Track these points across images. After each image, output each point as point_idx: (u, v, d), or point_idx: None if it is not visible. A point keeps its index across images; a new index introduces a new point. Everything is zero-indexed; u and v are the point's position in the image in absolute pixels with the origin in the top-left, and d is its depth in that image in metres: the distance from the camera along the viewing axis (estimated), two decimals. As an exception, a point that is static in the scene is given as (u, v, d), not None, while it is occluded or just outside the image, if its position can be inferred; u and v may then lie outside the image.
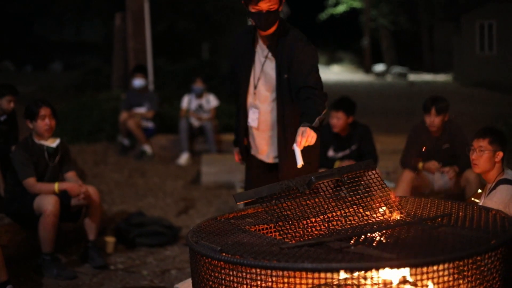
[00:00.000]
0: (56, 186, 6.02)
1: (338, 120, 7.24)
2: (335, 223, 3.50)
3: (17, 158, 6.01)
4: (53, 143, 6.19)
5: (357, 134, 7.38)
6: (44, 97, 6.15)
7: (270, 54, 4.82)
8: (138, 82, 11.67)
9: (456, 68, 29.95)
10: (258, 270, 2.94)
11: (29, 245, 6.26)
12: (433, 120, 6.82)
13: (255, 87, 4.91)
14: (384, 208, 3.68)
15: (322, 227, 3.46)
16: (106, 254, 6.58)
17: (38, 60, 31.34)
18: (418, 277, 2.89)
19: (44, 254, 5.96)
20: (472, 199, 5.15)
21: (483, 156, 4.81)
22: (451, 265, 2.92)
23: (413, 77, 32.34)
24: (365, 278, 2.94)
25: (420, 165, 6.94)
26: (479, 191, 5.21)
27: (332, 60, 40.33)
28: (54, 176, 6.24)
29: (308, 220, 3.49)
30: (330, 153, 7.38)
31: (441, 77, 31.68)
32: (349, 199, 3.71)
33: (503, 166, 4.89)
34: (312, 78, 4.66)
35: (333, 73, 35.73)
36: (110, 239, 6.75)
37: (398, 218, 3.61)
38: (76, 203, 6.14)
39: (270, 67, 4.84)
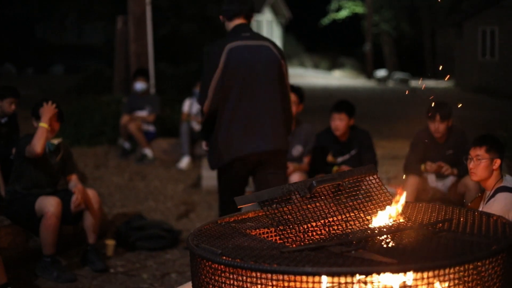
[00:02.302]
0: (43, 124, 5.98)
1: (340, 121, 7.21)
2: (336, 227, 3.49)
3: (25, 139, 6.04)
4: (55, 141, 6.22)
5: (357, 139, 7.36)
6: (53, 99, 6.14)
7: None
8: (139, 85, 11.66)
9: (458, 74, 29.97)
10: (258, 273, 2.93)
11: (29, 247, 6.27)
12: (438, 126, 6.81)
13: None
14: (385, 213, 3.68)
15: (323, 231, 3.45)
16: (106, 257, 6.58)
17: (39, 63, 31.36)
18: (419, 282, 2.88)
19: (44, 256, 5.96)
20: (469, 205, 5.14)
21: (480, 164, 4.81)
22: (451, 271, 2.92)
23: (415, 83, 32.35)
24: (365, 283, 2.94)
25: (423, 166, 6.94)
26: (479, 194, 5.20)
27: (334, 65, 40.35)
28: (55, 175, 6.24)
29: (309, 224, 3.49)
30: (330, 158, 7.36)
31: (443, 83, 31.69)
32: (350, 203, 3.70)
33: (501, 173, 4.89)
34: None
35: (334, 78, 35.76)
36: (110, 242, 6.75)
37: (399, 223, 3.60)
38: (75, 199, 6.14)
39: None
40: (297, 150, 7.42)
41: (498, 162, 4.81)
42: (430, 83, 32.50)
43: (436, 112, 6.79)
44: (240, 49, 5.44)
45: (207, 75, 5.40)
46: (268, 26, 38.11)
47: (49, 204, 5.91)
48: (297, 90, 7.35)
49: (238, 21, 5.60)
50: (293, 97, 7.17)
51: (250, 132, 5.47)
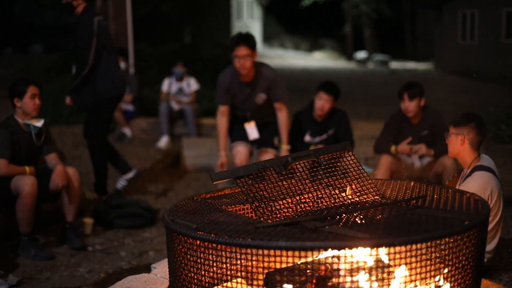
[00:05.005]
0: (28, 169, 6.00)
1: (327, 102, 7.23)
2: (311, 203, 3.52)
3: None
4: (39, 122, 6.19)
5: (335, 119, 7.40)
6: (33, 78, 6.13)
7: None
8: (118, 65, 11.59)
9: (437, 56, 30.06)
10: (233, 248, 2.95)
11: (7, 226, 6.25)
12: (407, 105, 6.87)
13: None
14: (359, 189, 3.71)
15: (298, 207, 3.48)
16: (84, 235, 6.59)
17: (18, 43, 31.07)
18: (391, 257, 2.92)
19: (21, 235, 5.95)
20: (447, 183, 5.20)
21: (448, 139, 4.93)
22: (424, 246, 2.96)
23: (395, 65, 32.42)
24: (338, 258, 2.97)
25: (393, 148, 6.98)
26: (455, 174, 5.26)
27: (314, 46, 40.31)
28: (36, 157, 6.22)
29: (284, 201, 3.51)
30: (307, 138, 7.39)
31: (422, 65, 31.78)
32: (325, 180, 3.73)
33: (479, 152, 4.94)
34: None
35: (315, 60, 35.74)
36: (89, 220, 6.76)
37: (373, 199, 3.64)
38: (55, 186, 6.12)
39: None
40: (260, 97, 7.09)
41: (460, 137, 4.87)
42: (410, 65, 32.59)
43: (404, 91, 6.85)
44: (102, 21, 7.26)
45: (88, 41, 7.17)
46: (248, 6, 37.99)
47: (24, 183, 5.88)
48: (247, 38, 6.81)
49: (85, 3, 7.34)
50: (245, 50, 6.76)
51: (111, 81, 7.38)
